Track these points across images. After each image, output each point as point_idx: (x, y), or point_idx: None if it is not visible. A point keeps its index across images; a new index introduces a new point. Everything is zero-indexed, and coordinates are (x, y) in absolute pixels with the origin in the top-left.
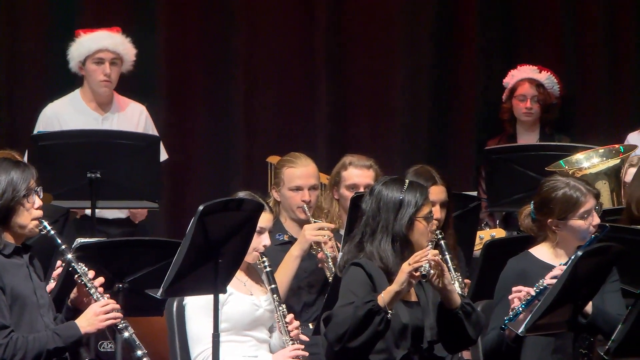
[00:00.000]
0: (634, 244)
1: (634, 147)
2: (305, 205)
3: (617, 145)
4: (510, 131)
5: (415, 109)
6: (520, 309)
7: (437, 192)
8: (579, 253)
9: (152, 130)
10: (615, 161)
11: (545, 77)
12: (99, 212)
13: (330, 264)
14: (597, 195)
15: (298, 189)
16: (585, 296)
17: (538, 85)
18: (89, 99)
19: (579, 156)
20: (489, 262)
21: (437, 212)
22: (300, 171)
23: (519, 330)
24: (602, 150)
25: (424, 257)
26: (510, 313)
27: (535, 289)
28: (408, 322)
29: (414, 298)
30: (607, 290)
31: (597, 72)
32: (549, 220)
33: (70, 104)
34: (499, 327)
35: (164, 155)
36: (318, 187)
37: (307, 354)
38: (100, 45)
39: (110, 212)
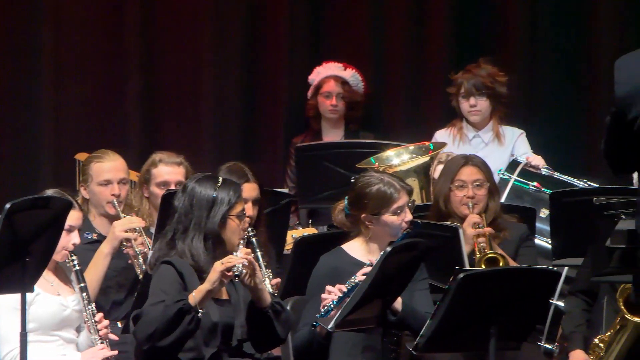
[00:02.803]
0: (441, 239)
1: (443, 144)
2: (114, 200)
3: (427, 143)
4: (315, 128)
5: (224, 106)
6: (332, 306)
7: (250, 190)
8: (388, 249)
9: None
10: (424, 158)
11: (350, 75)
12: None
13: (140, 260)
14: (410, 192)
15: (107, 182)
16: (394, 291)
17: (343, 82)
18: None
19: (389, 153)
20: (300, 259)
21: (250, 210)
22: (108, 165)
23: (329, 326)
24: (412, 147)
25: (238, 259)
26: (322, 310)
27: (347, 285)
28: (218, 320)
29: (225, 296)
30: (416, 288)
31: (402, 69)
32: (363, 215)
33: None
34: (311, 324)
35: None
36: (127, 181)
37: (115, 352)
38: None
39: None
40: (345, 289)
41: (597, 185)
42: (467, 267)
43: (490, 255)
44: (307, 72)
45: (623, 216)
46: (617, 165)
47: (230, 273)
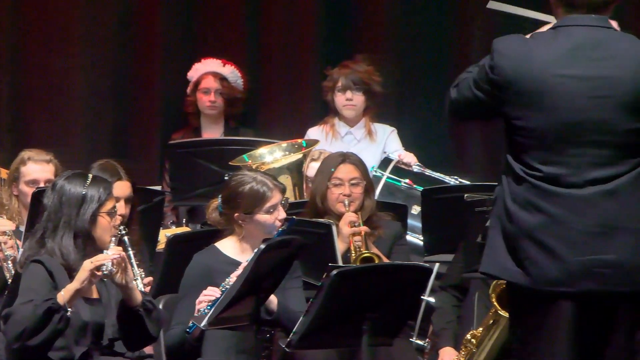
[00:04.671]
0: (315, 236)
1: (315, 141)
2: None
3: (299, 140)
4: (195, 125)
5: (98, 104)
6: (207, 310)
7: (122, 188)
8: (262, 246)
9: None
10: (297, 156)
11: (230, 71)
12: None
13: (9, 264)
14: (283, 190)
15: None
16: (268, 289)
17: (222, 78)
18: None
19: (262, 150)
20: (173, 257)
21: (122, 208)
22: None
23: (202, 324)
24: (285, 144)
25: (107, 258)
26: (196, 315)
27: (221, 288)
28: (89, 319)
29: (95, 295)
30: (290, 286)
31: (279, 66)
32: (236, 214)
33: None
34: (184, 323)
35: None
36: None
37: None
38: None
39: None
40: (219, 294)
41: (467, 182)
42: (341, 263)
43: (365, 255)
44: (185, 68)
45: None
46: (461, 117)
47: (100, 272)
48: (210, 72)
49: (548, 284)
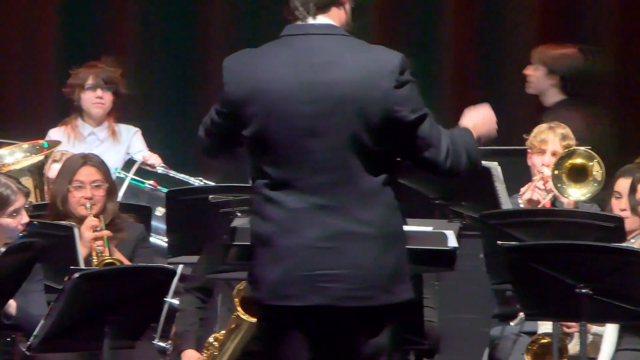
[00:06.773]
0: (57, 239)
1: (57, 142)
2: None
3: (41, 141)
4: None
5: None
6: None
7: None
8: (2, 249)
9: None
10: (39, 157)
11: None
12: None
13: None
14: (27, 194)
15: None
16: (8, 293)
17: None
18: None
19: (2, 152)
20: None
21: None
22: None
23: None
24: (26, 145)
25: None
26: None
27: None
28: None
29: None
30: (31, 289)
31: (15, 66)
32: None
33: None
34: None
35: None
36: None
37: None
38: None
39: None
40: None
41: (212, 183)
42: (83, 267)
43: (107, 261)
44: None
45: (238, 213)
46: (211, 153)
47: None
48: None
49: (277, 298)
